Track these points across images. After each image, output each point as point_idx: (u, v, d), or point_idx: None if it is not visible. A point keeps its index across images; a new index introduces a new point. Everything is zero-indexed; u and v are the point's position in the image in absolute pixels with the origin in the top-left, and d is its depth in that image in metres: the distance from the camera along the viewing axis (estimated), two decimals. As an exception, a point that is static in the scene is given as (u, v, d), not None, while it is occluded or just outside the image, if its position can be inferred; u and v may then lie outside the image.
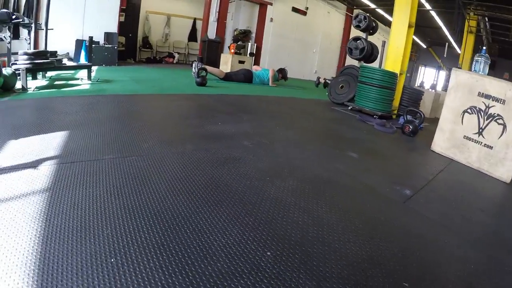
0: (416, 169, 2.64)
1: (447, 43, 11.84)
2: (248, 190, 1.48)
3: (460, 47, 11.37)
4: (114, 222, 1.09)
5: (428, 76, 15.70)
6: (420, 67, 16.58)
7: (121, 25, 7.29)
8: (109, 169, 1.50)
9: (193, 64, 5.39)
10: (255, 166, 1.80)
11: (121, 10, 7.24)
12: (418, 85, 12.47)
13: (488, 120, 2.91)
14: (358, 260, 1.09)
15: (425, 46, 15.34)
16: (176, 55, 9.77)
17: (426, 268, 1.13)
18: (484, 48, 3.85)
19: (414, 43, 15.69)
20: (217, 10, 8.67)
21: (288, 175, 1.75)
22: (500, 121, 2.85)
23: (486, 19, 9.84)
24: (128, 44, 8.48)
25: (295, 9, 9.96)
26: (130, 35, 8.57)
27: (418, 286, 1.03)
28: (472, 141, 2.94)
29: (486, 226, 1.66)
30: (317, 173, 1.88)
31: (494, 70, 15.29)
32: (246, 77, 6.47)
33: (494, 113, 2.88)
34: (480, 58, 3.53)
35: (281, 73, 7.15)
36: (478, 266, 1.23)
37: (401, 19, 4.95)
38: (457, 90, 3.13)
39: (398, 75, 4.92)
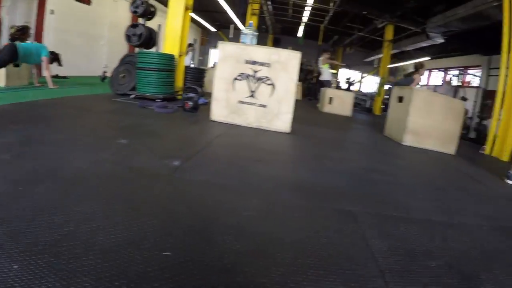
0: (192, 141, 2.64)
1: (233, 25, 13.15)
2: None
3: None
4: None
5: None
6: (210, 50, 18.01)
7: None
8: None
9: None
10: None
11: None
12: (212, 65, 13.51)
13: (258, 83, 3.29)
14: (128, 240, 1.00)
15: (214, 30, 16.64)
16: None
17: (193, 226, 1.15)
18: (251, 22, 4.32)
19: (204, 28, 16.79)
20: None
21: (45, 178, 1.42)
22: (269, 82, 3.28)
23: (269, 2, 11.40)
24: None
25: (77, -2, 8.62)
26: None
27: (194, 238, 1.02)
28: (247, 104, 3.28)
29: (261, 173, 1.80)
30: (78, 167, 1.56)
31: (279, 46, 18.34)
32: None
33: (262, 76, 3.28)
34: (248, 31, 3.94)
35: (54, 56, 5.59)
36: (259, 213, 1.35)
37: (177, 1, 4.98)
38: (225, 61, 3.37)
39: (178, 56, 5.00)
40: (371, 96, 12.29)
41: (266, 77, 3.28)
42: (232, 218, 1.26)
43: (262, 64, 3.28)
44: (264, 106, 3.28)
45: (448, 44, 10.05)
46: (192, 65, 8.14)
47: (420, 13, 9.16)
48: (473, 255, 1.32)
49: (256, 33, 3.91)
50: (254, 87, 3.28)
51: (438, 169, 3.26)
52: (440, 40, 9.43)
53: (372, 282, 0.99)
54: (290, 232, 1.23)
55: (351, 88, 14.42)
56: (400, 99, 4.26)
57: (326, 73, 8.98)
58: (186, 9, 5.08)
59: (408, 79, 6.28)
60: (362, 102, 12.31)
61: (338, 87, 12.92)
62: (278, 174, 1.89)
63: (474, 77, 11.58)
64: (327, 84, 8.73)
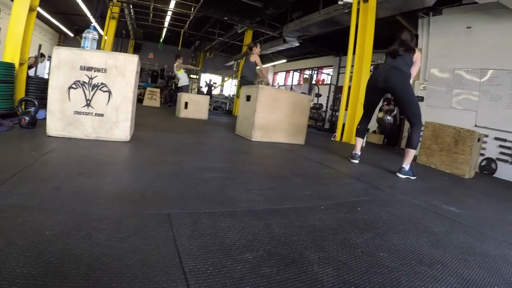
0: (15, 161, 2.13)
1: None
2: None
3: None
4: None
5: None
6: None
7: None
8: None
9: None
10: None
11: None
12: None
13: (94, 90, 3.04)
14: None
15: (72, 35, 14.99)
16: None
17: None
18: (93, 25, 3.97)
19: (62, 32, 14.90)
20: None
21: None
22: (105, 88, 3.05)
23: (131, 6, 10.66)
24: None
25: None
26: None
27: None
28: (83, 114, 2.99)
29: (77, 187, 1.62)
30: None
31: (140, 52, 17.54)
32: None
33: (98, 83, 3.04)
34: (88, 35, 3.59)
35: None
36: (63, 229, 1.11)
37: (21, 1, 4.21)
38: (59, 68, 3.01)
39: (18, 65, 4.29)
40: (231, 99, 13.04)
41: (102, 84, 3.06)
42: (32, 239, 1.08)
43: (98, 69, 3.04)
44: (101, 115, 3.05)
45: (303, 47, 11.49)
46: (46, 75, 7.05)
47: (278, 19, 10.16)
48: (301, 238, 1.36)
49: (96, 37, 3.64)
50: (90, 95, 3.01)
51: (282, 160, 3.51)
52: (296, 44, 10.69)
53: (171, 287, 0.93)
54: (92, 245, 1.09)
55: (212, 92, 14.96)
56: (248, 98, 4.60)
57: (182, 78, 9.06)
58: (31, 10, 4.35)
59: (248, 65, 6.26)
60: (222, 105, 12.98)
61: (200, 92, 13.27)
62: (96, 185, 1.75)
63: (327, 76, 13.52)
64: (185, 89, 8.80)
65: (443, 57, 7.21)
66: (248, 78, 6.12)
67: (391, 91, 3.39)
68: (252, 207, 1.68)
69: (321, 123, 11.76)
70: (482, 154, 6.19)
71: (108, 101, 3.06)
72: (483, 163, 6.20)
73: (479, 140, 4.74)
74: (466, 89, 6.77)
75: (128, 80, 3.06)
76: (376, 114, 7.60)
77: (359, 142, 3.77)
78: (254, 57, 6.05)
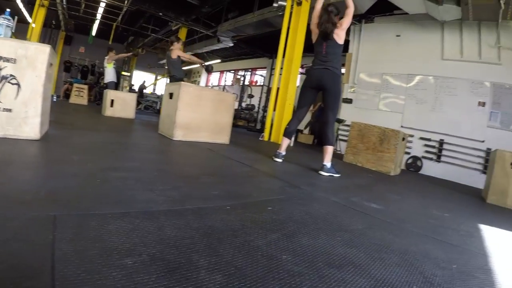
0: None
1: (16, 17, 10.94)
2: None
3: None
4: None
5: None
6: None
7: None
8: None
9: None
10: None
11: None
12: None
13: (2, 83, 2.50)
14: None
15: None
16: None
17: None
18: (8, 10, 3.33)
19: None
20: None
21: None
22: (14, 81, 2.55)
23: None
24: None
25: None
26: None
27: None
28: (-9, 109, 2.41)
29: None
30: None
31: (71, 45, 16.18)
32: None
33: (7, 74, 2.51)
34: (2, 21, 2.98)
35: None
36: None
37: None
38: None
39: None
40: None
41: (11, 75, 2.54)
42: None
43: (7, 59, 2.52)
44: (9, 110, 2.52)
45: (238, 47, 11.38)
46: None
47: (214, 18, 9.90)
48: (194, 241, 1.17)
49: (11, 24, 3.06)
50: (-2, 88, 2.45)
51: (199, 159, 3.23)
52: (230, 44, 10.52)
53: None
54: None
55: (144, 90, 14.37)
56: (171, 96, 4.22)
57: (109, 73, 8.32)
58: None
59: (171, 62, 5.86)
60: (153, 104, 12.40)
61: (131, 90, 12.56)
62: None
63: (261, 77, 13.58)
64: (110, 86, 8.12)
65: (372, 62, 7.51)
66: (177, 77, 5.72)
67: (323, 91, 3.39)
68: (148, 208, 1.44)
69: (253, 124, 11.71)
70: (408, 153, 6.51)
71: (17, 95, 2.52)
72: (409, 161, 6.52)
73: (403, 139, 4.87)
74: (393, 92, 7.10)
75: (39, 73, 2.57)
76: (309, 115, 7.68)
77: (286, 142, 3.58)
78: (176, 53, 5.65)
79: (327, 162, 3.25)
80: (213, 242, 1.18)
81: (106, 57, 8.16)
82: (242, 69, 14.77)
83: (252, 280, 0.97)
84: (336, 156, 5.00)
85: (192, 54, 12.75)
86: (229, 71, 15.80)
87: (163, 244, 1.10)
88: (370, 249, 1.39)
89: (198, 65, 9.11)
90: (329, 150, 3.29)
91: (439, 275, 1.26)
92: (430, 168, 6.40)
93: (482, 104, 6.20)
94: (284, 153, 3.56)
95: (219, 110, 4.30)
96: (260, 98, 11.94)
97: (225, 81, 15.94)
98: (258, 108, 11.78)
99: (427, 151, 6.46)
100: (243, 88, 12.44)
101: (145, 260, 0.99)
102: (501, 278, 1.41)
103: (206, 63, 6.27)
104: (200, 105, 4.10)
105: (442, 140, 6.41)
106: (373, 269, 1.19)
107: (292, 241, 1.32)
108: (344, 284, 1.03)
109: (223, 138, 4.42)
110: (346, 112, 7.32)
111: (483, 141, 6.05)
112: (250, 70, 14.30)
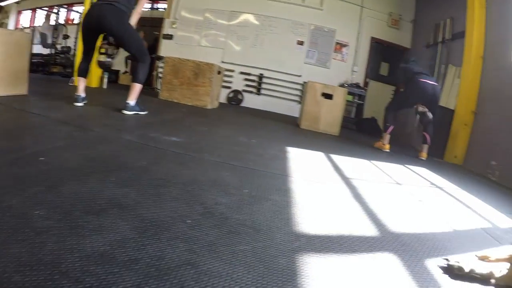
0: None
1: None
2: None
3: None
4: None
5: None
6: None
7: None
8: None
9: None
10: None
11: None
12: None
13: None
14: None
15: None
16: None
17: None
18: None
19: None
20: None
21: None
22: None
23: None
24: None
25: None
26: None
27: None
28: None
29: None
30: None
31: None
32: None
33: None
34: None
35: None
36: None
37: None
38: None
39: None
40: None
41: None
42: None
43: None
44: None
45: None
46: None
47: None
48: None
49: None
50: None
51: None
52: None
53: None
54: None
55: None
56: None
57: None
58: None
59: None
60: None
61: None
62: None
63: (77, 13, 11.55)
64: None
65: (195, -2, 7.30)
66: None
67: (107, 31, 3.02)
68: None
69: (70, 69, 10.07)
70: (229, 87, 7.01)
71: None
72: (231, 95, 7.05)
73: (219, 72, 5.14)
74: (215, 29, 7.22)
75: None
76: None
77: (82, 83, 3.18)
78: None
79: (131, 100, 3.08)
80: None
81: None
82: (56, 5, 12.01)
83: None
84: (155, 94, 4.89)
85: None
86: (41, 8, 12.62)
87: None
88: (148, 186, 1.30)
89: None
90: (136, 87, 3.08)
91: (223, 203, 1.25)
92: (251, 101, 7.06)
93: (301, 43, 7.00)
94: (83, 95, 3.19)
95: (12, 55, 3.42)
96: (77, 38, 10.19)
97: (37, 20, 12.77)
98: (75, 50, 10.09)
99: (247, 85, 7.07)
100: (56, 27, 10.27)
101: None
102: (296, 197, 1.50)
103: None
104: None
105: (262, 74, 7.02)
106: (142, 208, 1.09)
107: (53, 192, 1.11)
108: (100, 230, 0.91)
109: (20, 88, 3.61)
110: (166, 49, 7.07)
111: (300, 76, 6.92)
112: (66, 6, 11.78)
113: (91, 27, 3.02)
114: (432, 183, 2.64)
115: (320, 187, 1.82)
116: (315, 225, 1.26)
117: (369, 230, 1.32)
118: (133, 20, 3.04)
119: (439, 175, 3.06)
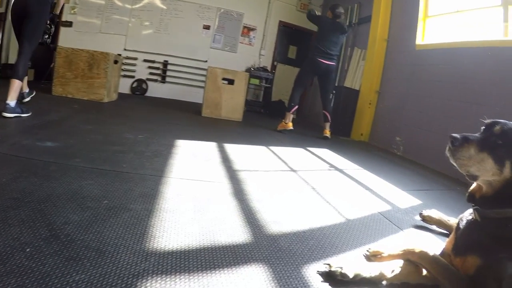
0: None
1: None
2: None
3: None
4: None
5: None
6: None
7: None
8: None
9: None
10: None
11: None
12: None
13: None
14: None
15: None
16: None
17: None
18: None
19: None
20: None
21: None
22: None
23: None
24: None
25: None
26: None
27: None
28: None
29: None
30: None
31: None
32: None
33: None
34: None
35: None
36: None
37: None
38: None
39: None
40: None
41: None
42: None
43: None
44: None
45: None
46: None
47: None
48: None
49: None
50: None
51: None
52: None
53: None
54: None
55: None
56: None
57: None
58: None
59: None
60: None
61: None
62: None
63: None
64: None
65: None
66: None
67: (27, 18, 2.82)
68: None
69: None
70: (132, 76, 6.52)
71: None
72: (134, 85, 6.58)
73: (116, 62, 4.71)
74: (118, 14, 6.61)
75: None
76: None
77: None
78: None
79: (11, 101, 2.61)
80: None
81: None
82: None
83: None
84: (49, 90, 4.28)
85: None
86: None
87: None
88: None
89: None
90: (15, 85, 2.61)
91: (74, 222, 1.08)
92: (155, 90, 6.67)
93: (207, 27, 6.75)
94: None
95: None
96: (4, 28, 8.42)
97: None
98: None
99: (151, 73, 6.66)
100: None
101: None
102: (162, 203, 1.34)
103: None
104: None
105: (166, 61, 6.61)
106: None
107: None
108: None
109: None
110: (65, 38, 6.29)
111: (206, 61, 6.67)
112: None
113: (17, 15, 2.88)
114: (331, 166, 2.69)
115: (195, 187, 1.64)
116: (172, 238, 1.09)
117: (240, 237, 1.18)
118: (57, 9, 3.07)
119: (341, 156, 3.16)
